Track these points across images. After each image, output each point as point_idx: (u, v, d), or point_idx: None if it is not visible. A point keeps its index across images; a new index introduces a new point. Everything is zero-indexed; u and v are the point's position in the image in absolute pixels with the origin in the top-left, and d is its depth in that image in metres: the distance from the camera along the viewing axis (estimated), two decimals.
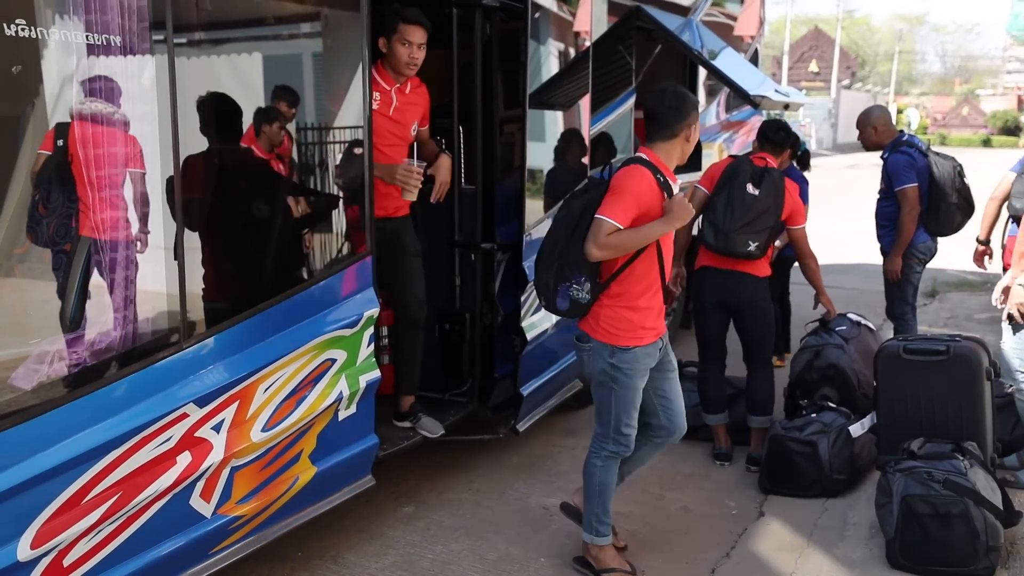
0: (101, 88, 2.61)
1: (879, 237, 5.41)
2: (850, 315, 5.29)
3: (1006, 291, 4.03)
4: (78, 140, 2.55)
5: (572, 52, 4.88)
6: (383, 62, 3.88)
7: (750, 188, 4.36)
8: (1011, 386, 4.18)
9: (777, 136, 4.83)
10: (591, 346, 3.39)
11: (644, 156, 3.32)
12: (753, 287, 4.47)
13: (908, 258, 5.27)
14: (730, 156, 4.86)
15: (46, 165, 2.55)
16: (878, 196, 5.39)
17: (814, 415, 4.43)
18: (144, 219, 2.78)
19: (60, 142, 2.54)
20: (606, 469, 3.50)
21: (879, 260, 5.45)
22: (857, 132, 5.49)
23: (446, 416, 4.30)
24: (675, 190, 3.33)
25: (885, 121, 5.42)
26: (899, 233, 5.18)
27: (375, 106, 3.79)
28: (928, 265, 5.46)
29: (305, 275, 3.49)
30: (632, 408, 3.42)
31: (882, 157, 5.33)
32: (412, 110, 3.99)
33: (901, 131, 5.43)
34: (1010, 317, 4.02)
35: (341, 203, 3.65)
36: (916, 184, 5.13)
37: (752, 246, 4.33)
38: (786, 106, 6.43)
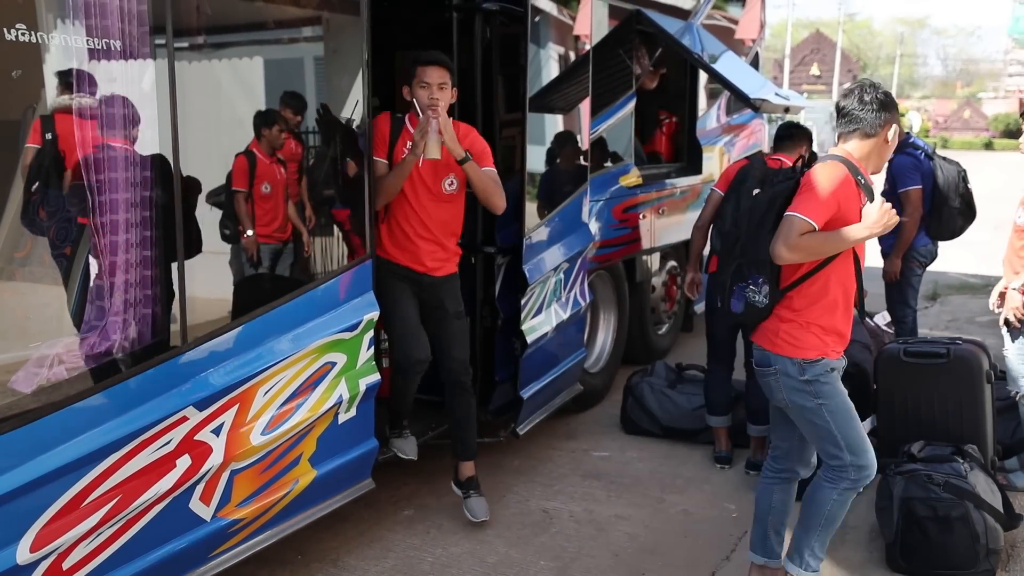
0: (99, 91, 2.61)
1: (880, 240, 5.41)
2: (877, 317, 5.24)
3: (1001, 296, 4.04)
4: (78, 142, 2.56)
5: (572, 56, 4.88)
6: (414, 112, 3.73)
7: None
8: (1015, 392, 4.18)
9: (787, 131, 4.70)
10: (776, 368, 3.06)
11: (841, 155, 3.04)
12: None
13: (908, 260, 5.28)
14: (746, 158, 4.81)
15: (38, 162, 2.53)
16: (881, 198, 5.38)
17: None
18: (144, 222, 2.78)
19: (48, 135, 2.53)
20: (841, 502, 3.12)
21: (880, 262, 5.45)
22: None
23: (446, 419, 4.29)
24: (876, 195, 3.07)
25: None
26: (899, 235, 5.18)
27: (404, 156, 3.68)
28: (929, 268, 5.46)
29: (305, 278, 3.49)
30: (854, 419, 3.05)
31: (889, 160, 5.34)
32: (447, 159, 3.67)
33: (908, 133, 5.43)
34: (1007, 323, 4.02)
35: (341, 206, 3.65)
36: (920, 186, 5.14)
37: None
38: (787, 109, 6.43)
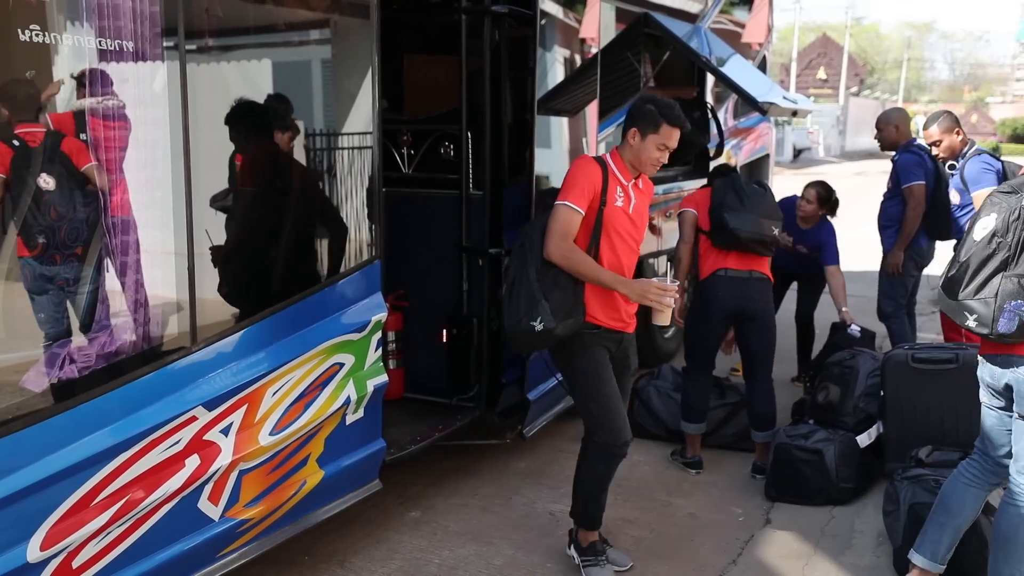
0: (111, 92, 2.63)
1: (882, 239, 5.45)
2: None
3: None
4: (90, 143, 2.57)
5: (580, 59, 4.89)
6: (619, 150, 3.48)
7: (755, 186, 4.55)
8: None
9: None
10: None
11: None
12: (766, 293, 4.48)
13: (905, 259, 5.32)
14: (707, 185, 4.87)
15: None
16: (883, 197, 5.44)
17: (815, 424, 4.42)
18: (153, 223, 2.80)
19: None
20: None
21: (873, 266, 5.48)
22: (876, 131, 5.58)
23: (453, 421, 4.30)
24: None
25: (906, 122, 5.57)
26: (903, 227, 5.24)
27: (618, 203, 3.43)
28: (928, 272, 5.49)
29: (314, 280, 3.50)
30: None
31: (893, 160, 5.41)
32: (646, 209, 3.58)
33: (913, 138, 5.52)
34: None
35: (350, 208, 3.66)
36: (923, 182, 5.20)
37: (775, 230, 4.42)
38: (794, 113, 6.44)
